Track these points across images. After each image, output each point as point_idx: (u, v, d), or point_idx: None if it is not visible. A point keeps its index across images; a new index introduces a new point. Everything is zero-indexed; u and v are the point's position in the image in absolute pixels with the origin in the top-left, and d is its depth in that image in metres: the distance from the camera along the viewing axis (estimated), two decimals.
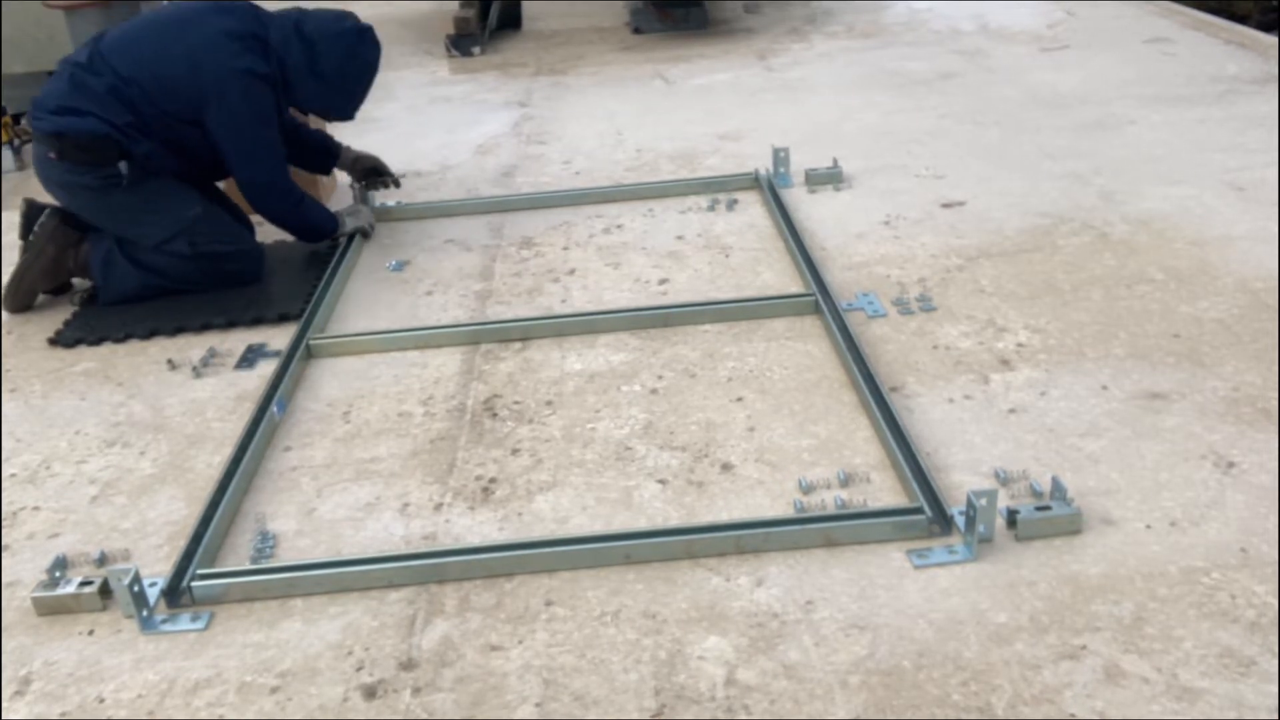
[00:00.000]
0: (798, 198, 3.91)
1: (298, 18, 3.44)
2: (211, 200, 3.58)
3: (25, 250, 3.48)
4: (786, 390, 2.70)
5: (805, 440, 2.49)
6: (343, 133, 5.13)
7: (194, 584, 2.14)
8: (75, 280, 3.60)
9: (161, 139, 3.34)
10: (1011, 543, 2.10)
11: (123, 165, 3.29)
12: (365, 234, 3.81)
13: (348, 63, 3.47)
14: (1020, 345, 2.80)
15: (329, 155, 3.98)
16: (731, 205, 3.91)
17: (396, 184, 4.09)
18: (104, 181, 3.29)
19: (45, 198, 3.60)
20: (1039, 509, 2.12)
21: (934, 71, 5.37)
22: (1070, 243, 3.35)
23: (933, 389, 2.64)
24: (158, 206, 3.38)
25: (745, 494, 2.33)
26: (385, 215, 4.06)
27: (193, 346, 3.19)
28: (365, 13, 7.90)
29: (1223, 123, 4.26)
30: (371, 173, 4.04)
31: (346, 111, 3.61)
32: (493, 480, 2.45)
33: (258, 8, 3.49)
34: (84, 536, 2.38)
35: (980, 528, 2.07)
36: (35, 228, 3.46)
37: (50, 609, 2.14)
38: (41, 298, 3.57)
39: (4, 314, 3.50)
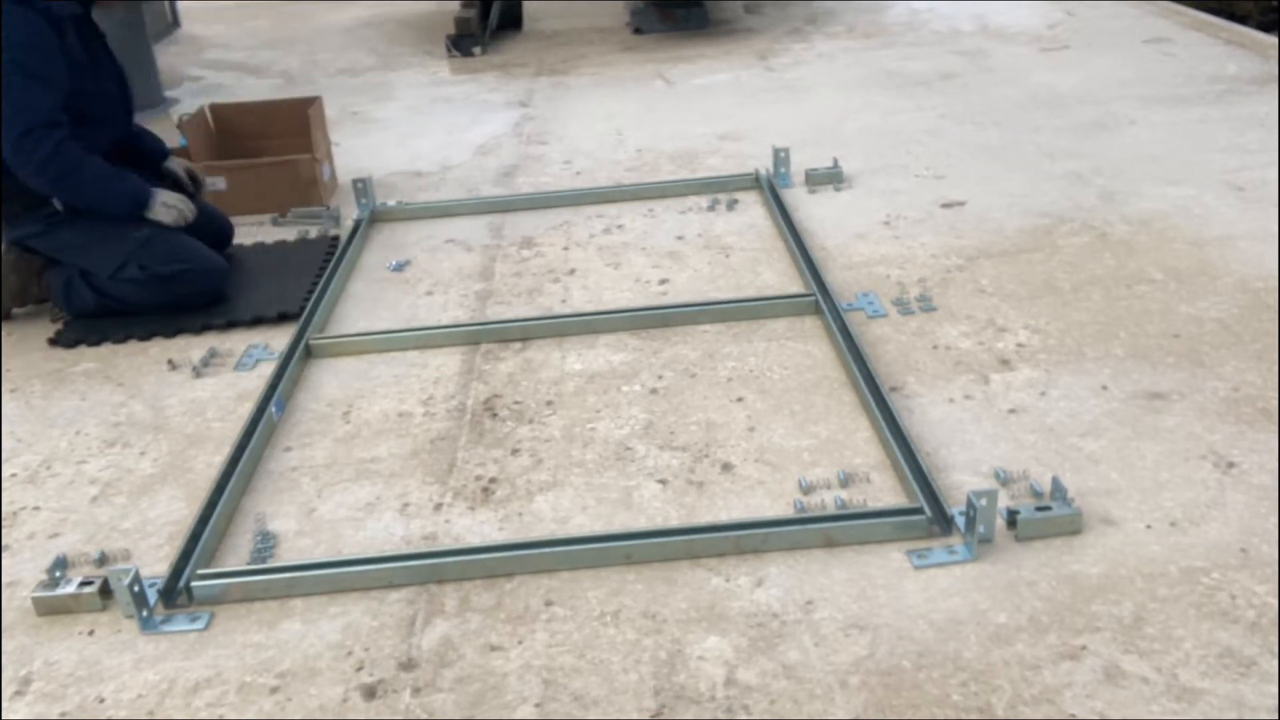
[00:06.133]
0: (798, 198, 3.91)
1: None
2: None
3: None
4: (787, 390, 2.70)
5: (805, 440, 2.49)
6: (345, 132, 5.15)
7: (193, 584, 2.14)
8: None
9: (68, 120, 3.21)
10: (1011, 543, 2.10)
11: (56, 201, 3.27)
12: (180, 223, 3.45)
13: None
14: (1020, 345, 2.80)
15: (158, 155, 3.74)
16: (732, 205, 3.91)
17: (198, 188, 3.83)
18: (46, 225, 3.29)
19: None
20: (1039, 509, 2.12)
21: (934, 72, 5.38)
22: (1070, 243, 3.35)
23: (933, 389, 2.64)
24: (103, 234, 3.31)
25: (745, 494, 2.33)
26: (385, 215, 4.06)
27: (193, 347, 3.20)
28: (366, 12, 7.85)
29: (1222, 123, 4.26)
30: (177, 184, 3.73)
31: None
32: (493, 480, 2.45)
33: None
34: (84, 536, 2.38)
35: (980, 528, 2.07)
36: None
37: (50, 609, 2.14)
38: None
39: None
